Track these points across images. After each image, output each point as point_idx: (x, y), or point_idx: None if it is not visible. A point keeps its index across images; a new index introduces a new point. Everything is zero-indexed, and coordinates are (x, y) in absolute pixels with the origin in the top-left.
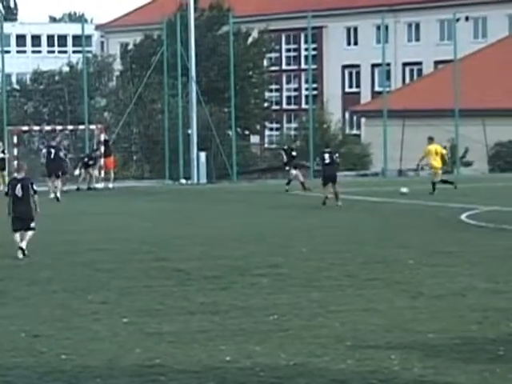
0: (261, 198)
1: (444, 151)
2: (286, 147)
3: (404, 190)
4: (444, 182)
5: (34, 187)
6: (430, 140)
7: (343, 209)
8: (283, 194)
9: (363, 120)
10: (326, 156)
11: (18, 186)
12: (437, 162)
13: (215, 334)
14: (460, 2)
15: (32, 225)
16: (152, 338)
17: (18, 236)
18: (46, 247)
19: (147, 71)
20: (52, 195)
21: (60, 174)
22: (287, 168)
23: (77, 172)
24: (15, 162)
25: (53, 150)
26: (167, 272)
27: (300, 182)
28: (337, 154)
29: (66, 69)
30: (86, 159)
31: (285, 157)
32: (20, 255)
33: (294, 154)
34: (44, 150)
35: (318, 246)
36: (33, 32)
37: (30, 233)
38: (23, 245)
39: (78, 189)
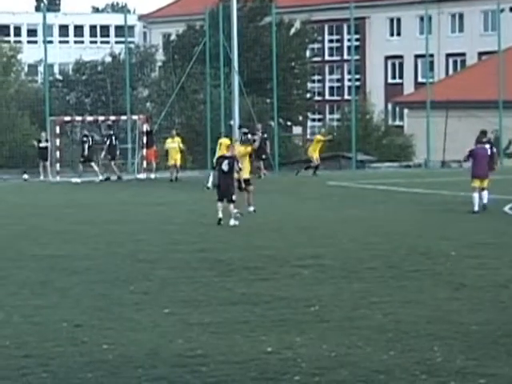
0: (303, 188)
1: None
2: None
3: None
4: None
5: (240, 165)
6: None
7: (385, 200)
8: (325, 184)
9: (406, 111)
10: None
11: (225, 162)
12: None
13: (256, 324)
14: None
15: (234, 198)
16: (193, 329)
17: (220, 204)
18: (86, 237)
19: (189, 62)
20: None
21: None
22: None
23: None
24: (57, 152)
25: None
26: (209, 262)
27: None
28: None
29: (109, 59)
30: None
31: None
32: (232, 222)
33: None
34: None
35: (360, 237)
36: (75, 22)
37: (232, 205)
38: (231, 221)
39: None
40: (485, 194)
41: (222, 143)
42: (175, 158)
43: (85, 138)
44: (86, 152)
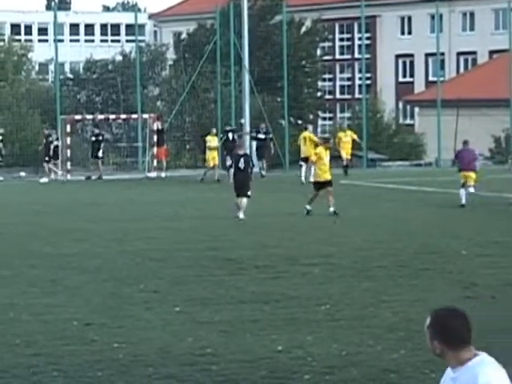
0: (313, 187)
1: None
2: None
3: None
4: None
5: (253, 162)
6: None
7: (395, 199)
8: (336, 183)
9: (417, 110)
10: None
11: (242, 160)
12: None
13: (266, 323)
14: None
15: (248, 193)
16: (203, 327)
17: (239, 200)
18: (95, 236)
19: (200, 60)
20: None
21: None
22: None
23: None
24: (68, 151)
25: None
26: (219, 261)
27: None
28: None
29: (119, 58)
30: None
31: None
32: (241, 215)
33: None
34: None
35: (370, 235)
36: (86, 21)
37: (245, 200)
38: (241, 214)
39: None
40: (470, 190)
41: (307, 137)
42: (216, 158)
43: (50, 138)
44: (51, 152)
